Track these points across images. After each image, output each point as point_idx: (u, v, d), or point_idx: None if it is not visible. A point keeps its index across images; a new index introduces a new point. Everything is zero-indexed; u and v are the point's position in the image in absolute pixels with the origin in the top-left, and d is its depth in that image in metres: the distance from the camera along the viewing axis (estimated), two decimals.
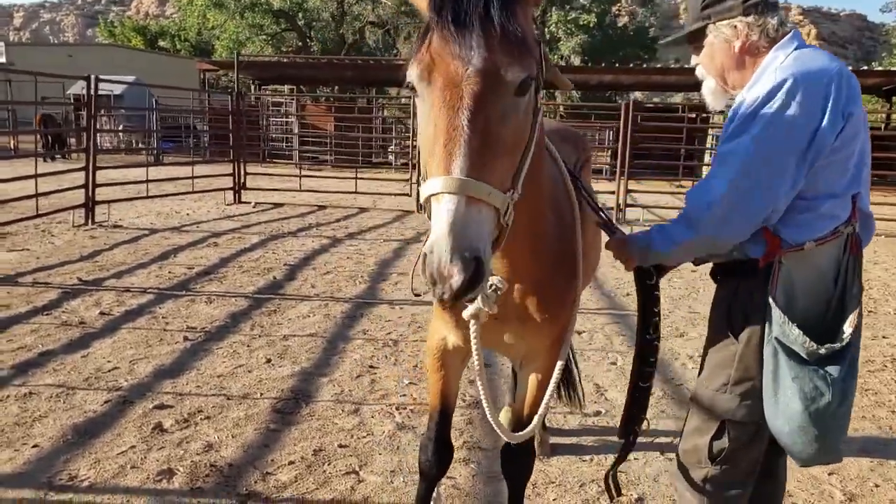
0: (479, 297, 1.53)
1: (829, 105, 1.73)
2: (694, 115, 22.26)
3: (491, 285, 1.55)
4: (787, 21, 1.93)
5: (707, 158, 25.41)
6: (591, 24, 41.34)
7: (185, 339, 4.93)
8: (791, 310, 1.82)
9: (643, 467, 3.38)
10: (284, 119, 26.35)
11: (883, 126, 22.85)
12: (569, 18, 40.99)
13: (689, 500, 2.04)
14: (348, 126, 22.50)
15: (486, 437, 3.59)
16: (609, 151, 21.49)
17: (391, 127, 29.45)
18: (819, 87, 1.74)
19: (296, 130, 22.40)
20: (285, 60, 28.36)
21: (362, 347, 4.94)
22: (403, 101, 37.25)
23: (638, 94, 37.89)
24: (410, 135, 13.34)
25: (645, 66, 38.92)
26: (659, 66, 33.94)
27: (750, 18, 1.90)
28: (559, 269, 2.05)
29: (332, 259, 8.00)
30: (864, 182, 1.86)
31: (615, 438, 3.62)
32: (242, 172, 12.59)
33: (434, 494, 2.58)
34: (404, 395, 4.12)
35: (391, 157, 23.96)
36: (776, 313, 1.81)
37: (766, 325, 1.85)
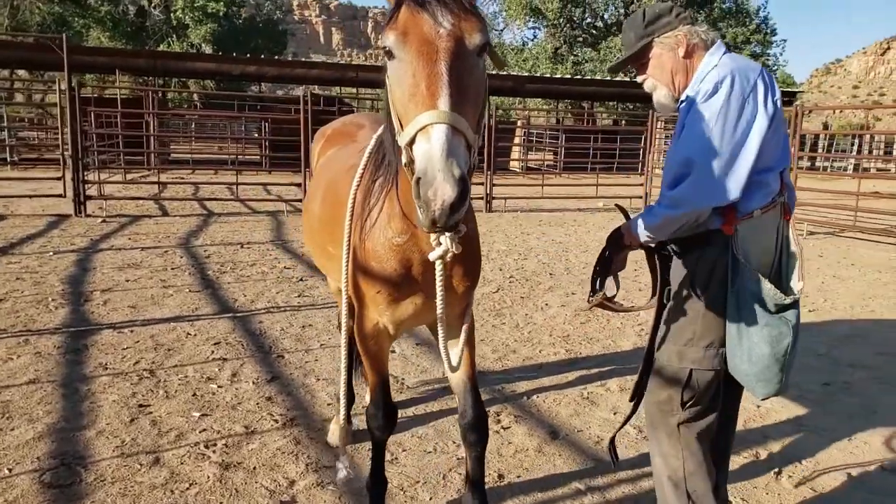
0: (446, 239, 1.67)
1: (766, 92, 2.10)
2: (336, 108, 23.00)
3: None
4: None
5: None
6: (220, 13, 39.88)
7: None
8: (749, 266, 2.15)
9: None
10: None
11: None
12: (196, 5, 38.84)
13: (667, 444, 2.33)
14: None
15: (324, 455, 3.31)
16: (267, 143, 20.96)
17: None
18: (753, 80, 2.11)
19: None
20: None
21: (114, 385, 4.05)
22: None
23: (263, 86, 37.30)
24: (61, 126, 11.08)
25: (278, 57, 39.13)
26: (304, 59, 34.38)
27: (686, 28, 2.27)
28: (476, 242, 2.34)
29: None
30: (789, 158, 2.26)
31: (445, 423, 3.69)
32: None
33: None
34: (205, 430, 3.52)
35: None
36: (748, 272, 2.12)
37: (730, 283, 2.16)
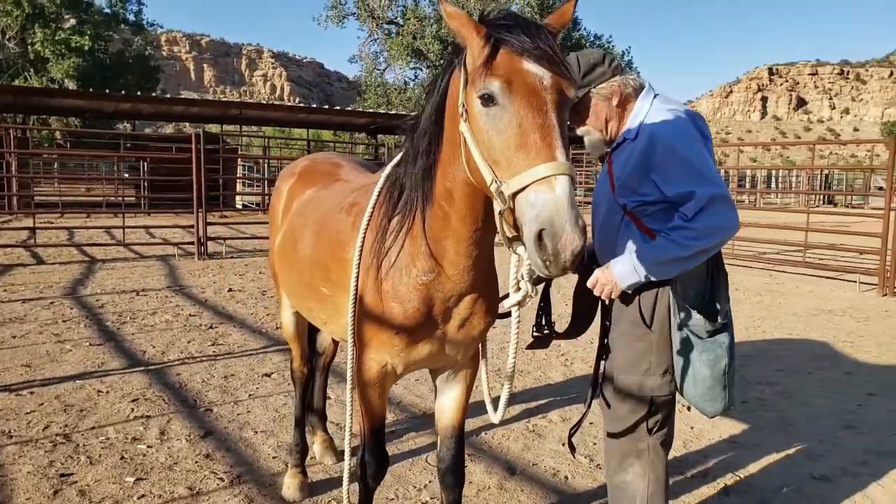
0: (525, 284, 1.75)
1: (701, 128, 2.26)
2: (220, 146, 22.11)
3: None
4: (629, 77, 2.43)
5: (239, 187, 25.80)
6: (85, 48, 37.66)
7: None
8: (686, 298, 2.30)
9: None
10: None
11: (374, 158, 26.80)
12: (58, 38, 36.48)
13: (637, 467, 2.43)
14: None
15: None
16: (145, 183, 19.86)
17: None
18: (690, 117, 2.27)
19: None
20: None
21: (25, 455, 3.62)
22: None
23: (128, 125, 34.73)
24: None
25: (155, 94, 37.35)
26: (181, 97, 32.95)
27: (619, 78, 2.37)
28: (494, 283, 2.28)
29: None
30: None
31: (399, 468, 3.58)
32: None
33: None
34: (144, 496, 3.22)
35: None
36: (683, 305, 2.28)
37: (672, 314, 2.30)
